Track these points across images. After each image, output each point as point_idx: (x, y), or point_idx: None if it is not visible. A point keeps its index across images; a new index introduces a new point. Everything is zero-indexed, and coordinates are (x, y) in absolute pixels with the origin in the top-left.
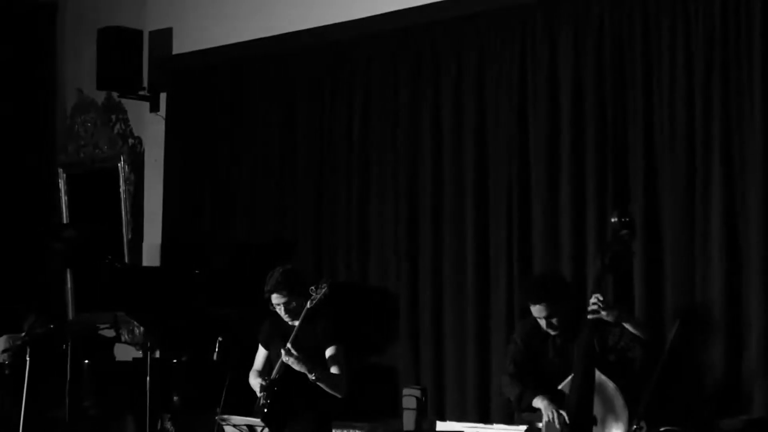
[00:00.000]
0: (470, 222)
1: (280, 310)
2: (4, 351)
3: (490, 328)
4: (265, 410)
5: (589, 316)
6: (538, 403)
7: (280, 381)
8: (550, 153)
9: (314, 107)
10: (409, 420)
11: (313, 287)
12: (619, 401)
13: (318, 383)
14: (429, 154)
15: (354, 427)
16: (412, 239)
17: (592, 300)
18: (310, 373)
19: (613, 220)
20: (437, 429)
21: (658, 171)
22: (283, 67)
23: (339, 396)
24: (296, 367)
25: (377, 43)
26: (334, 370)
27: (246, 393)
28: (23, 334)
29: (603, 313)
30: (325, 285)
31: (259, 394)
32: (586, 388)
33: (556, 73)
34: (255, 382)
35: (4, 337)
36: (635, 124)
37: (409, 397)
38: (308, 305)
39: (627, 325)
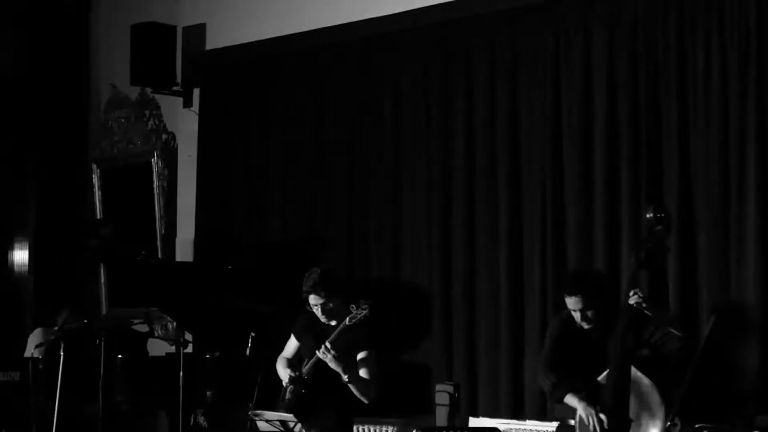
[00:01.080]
0: (504, 218)
1: (317, 311)
2: (38, 346)
3: (524, 324)
4: (291, 402)
5: (631, 302)
6: (574, 402)
7: (308, 378)
8: (583, 150)
9: (346, 103)
10: (441, 416)
11: (353, 306)
12: (655, 398)
13: (349, 385)
14: (462, 151)
15: (386, 423)
16: (445, 235)
17: (633, 296)
18: (344, 373)
19: (648, 215)
20: (470, 425)
21: (692, 168)
22: (314, 63)
23: (366, 401)
24: (332, 365)
25: (409, 39)
26: (363, 373)
27: (279, 388)
28: (56, 328)
29: (644, 305)
30: (366, 306)
31: (285, 385)
32: (622, 385)
33: (589, 70)
34: (283, 371)
35: (39, 330)
36: (669, 121)
37: (442, 393)
38: (347, 321)
39: (663, 315)
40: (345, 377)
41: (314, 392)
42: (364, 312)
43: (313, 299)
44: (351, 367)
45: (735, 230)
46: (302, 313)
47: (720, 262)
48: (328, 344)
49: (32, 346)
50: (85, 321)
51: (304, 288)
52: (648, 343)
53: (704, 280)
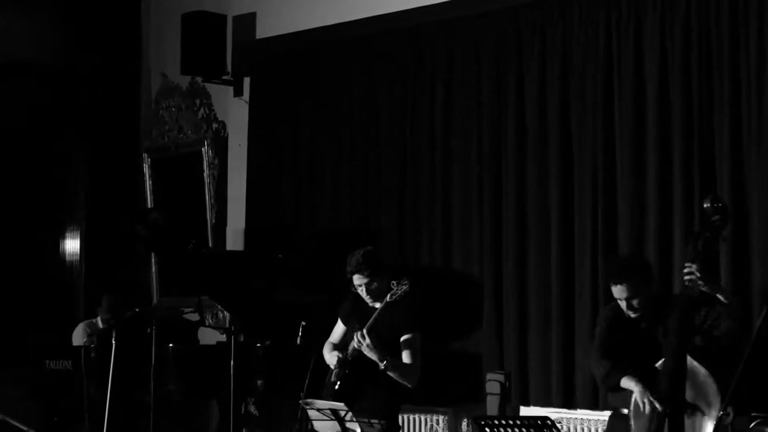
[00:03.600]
0: (555, 208)
1: (362, 291)
2: (90, 335)
3: (575, 313)
4: (336, 387)
5: (685, 279)
6: (631, 384)
7: (352, 361)
8: (635, 139)
9: (396, 92)
10: (492, 405)
11: (394, 282)
12: (712, 388)
13: (388, 372)
14: (513, 140)
15: (437, 412)
16: (496, 224)
17: (687, 269)
18: (381, 361)
19: (705, 205)
20: (521, 414)
21: (744, 157)
22: (365, 52)
23: (409, 386)
24: (367, 353)
25: (459, 27)
26: (405, 356)
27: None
28: (96, 319)
29: (700, 282)
30: (406, 282)
31: (333, 369)
32: (678, 372)
33: (641, 59)
34: (329, 356)
35: (82, 325)
36: (722, 110)
37: (493, 382)
38: (388, 298)
39: (720, 296)
40: (381, 365)
41: (358, 375)
42: (404, 288)
43: (357, 279)
44: (389, 354)
45: None
46: (349, 296)
47: None
48: (364, 331)
49: (77, 341)
50: (137, 310)
51: (348, 269)
52: (701, 328)
53: (757, 270)
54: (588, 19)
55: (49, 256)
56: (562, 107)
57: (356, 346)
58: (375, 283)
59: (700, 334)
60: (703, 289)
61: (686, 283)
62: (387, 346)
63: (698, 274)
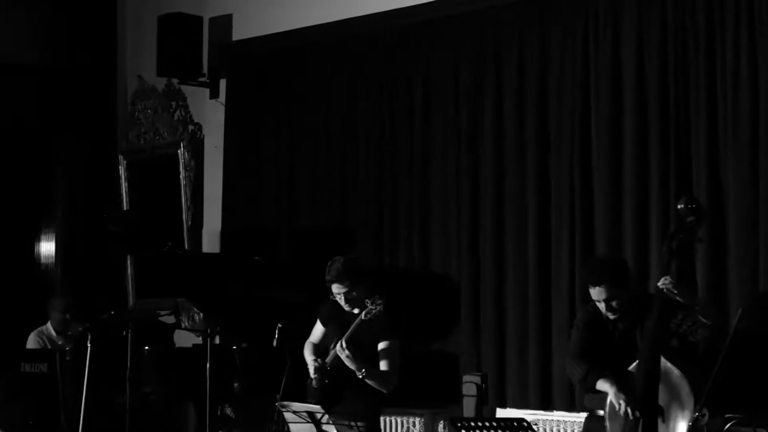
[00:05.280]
0: (532, 209)
1: (341, 299)
2: (66, 337)
3: (552, 315)
4: (317, 391)
5: (661, 285)
6: (606, 386)
7: (331, 370)
8: (612, 138)
9: (374, 94)
10: (469, 406)
11: (368, 300)
12: (684, 389)
13: (366, 380)
14: (490, 140)
15: (414, 414)
16: (474, 226)
17: (664, 281)
18: (359, 371)
19: (679, 206)
20: (498, 416)
21: (721, 156)
22: (343, 53)
23: (384, 391)
24: (347, 363)
25: (439, 28)
26: (383, 364)
27: (306, 378)
28: (47, 325)
29: (675, 291)
30: (380, 302)
31: (312, 375)
32: (652, 375)
33: (618, 60)
34: (309, 357)
35: (33, 335)
36: (698, 109)
37: (470, 384)
38: (363, 317)
39: (696, 308)
40: (360, 375)
41: (338, 381)
42: (379, 308)
43: (336, 288)
44: (368, 362)
45: (764, 220)
46: (329, 299)
47: (749, 254)
48: (343, 342)
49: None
50: (112, 312)
51: (327, 277)
52: (677, 332)
53: (733, 271)
54: (566, 20)
55: (24, 258)
56: (540, 109)
57: (337, 353)
58: (354, 292)
59: (677, 337)
60: (679, 299)
61: (661, 287)
62: (366, 354)
63: (675, 291)
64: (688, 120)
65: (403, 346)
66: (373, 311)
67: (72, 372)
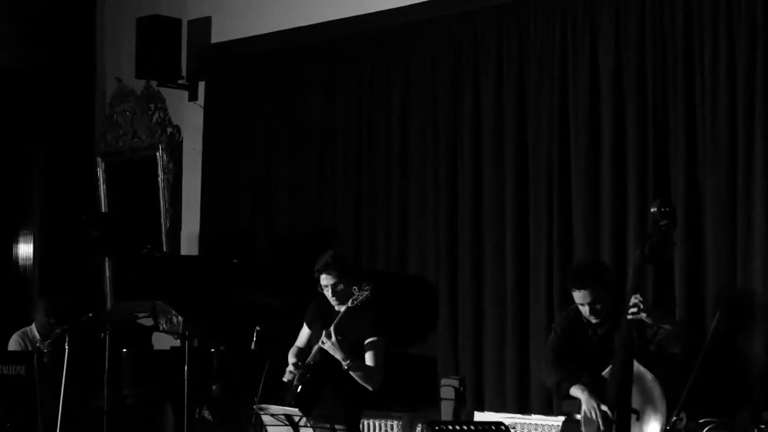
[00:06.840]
0: (510, 211)
1: (328, 292)
2: (43, 339)
3: (530, 319)
4: (297, 392)
5: (629, 317)
6: (578, 393)
7: (314, 366)
8: (590, 142)
9: (353, 98)
10: (447, 410)
11: (356, 287)
12: (657, 392)
13: (351, 372)
14: (468, 143)
15: (392, 417)
16: (452, 229)
17: (633, 301)
18: (345, 360)
19: (652, 210)
20: (476, 419)
21: (699, 160)
22: (321, 57)
23: (370, 389)
24: (332, 352)
25: (417, 32)
26: (369, 359)
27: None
28: (31, 327)
29: (643, 315)
30: (368, 288)
31: (289, 374)
32: (625, 380)
33: (596, 63)
34: (291, 360)
35: (15, 336)
36: (676, 113)
37: (448, 387)
38: (350, 303)
39: (666, 327)
40: (345, 365)
41: (319, 380)
42: (366, 293)
43: (324, 279)
44: (353, 354)
45: (742, 224)
46: (314, 301)
47: (727, 256)
48: (330, 329)
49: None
50: (90, 314)
51: (316, 268)
52: (653, 340)
53: (711, 274)
54: (544, 24)
55: (1, 260)
56: (518, 112)
57: (321, 344)
58: (341, 285)
59: (654, 344)
60: (647, 320)
61: (629, 317)
62: (351, 350)
63: (641, 306)
64: (667, 124)
65: (387, 346)
66: (360, 297)
67: (50, 374)
